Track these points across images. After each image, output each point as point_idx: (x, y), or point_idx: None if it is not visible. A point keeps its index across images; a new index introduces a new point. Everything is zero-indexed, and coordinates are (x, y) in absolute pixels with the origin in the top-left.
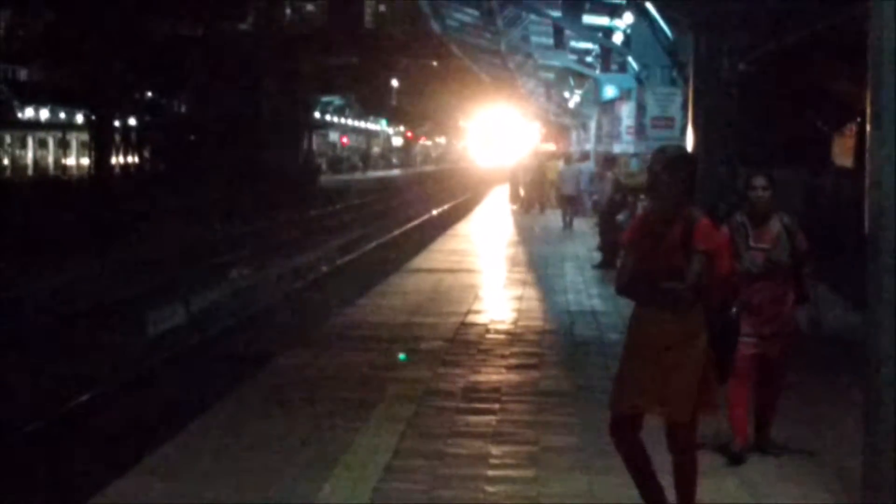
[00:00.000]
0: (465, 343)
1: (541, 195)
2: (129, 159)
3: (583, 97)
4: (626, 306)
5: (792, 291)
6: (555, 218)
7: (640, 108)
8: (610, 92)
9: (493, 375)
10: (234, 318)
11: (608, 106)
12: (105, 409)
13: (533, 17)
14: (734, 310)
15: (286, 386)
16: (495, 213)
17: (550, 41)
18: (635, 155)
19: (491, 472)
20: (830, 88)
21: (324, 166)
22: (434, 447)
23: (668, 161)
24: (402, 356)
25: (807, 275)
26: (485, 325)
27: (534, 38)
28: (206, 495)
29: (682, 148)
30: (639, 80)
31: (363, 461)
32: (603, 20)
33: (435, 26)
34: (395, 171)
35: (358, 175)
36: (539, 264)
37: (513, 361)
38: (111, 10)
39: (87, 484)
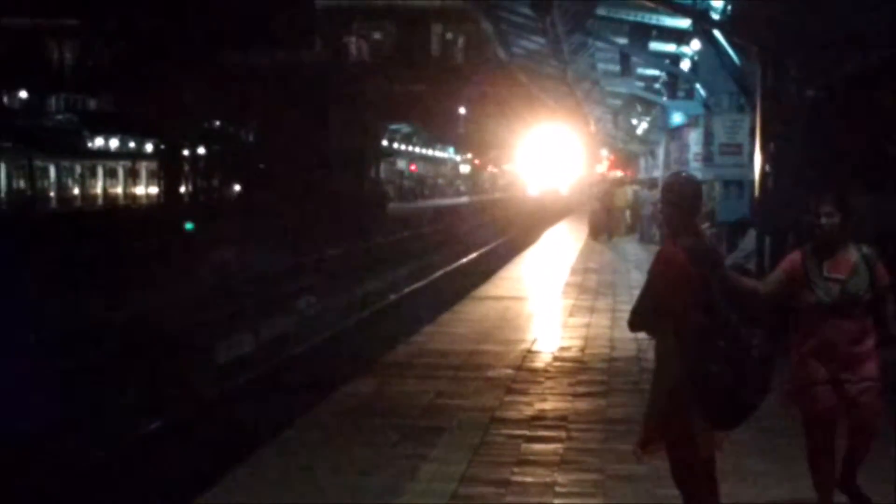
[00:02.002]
0: (531, 371)
1: (609, 222)
2: (198, 187)
3: (651, 124)
4: None
5: (873, 332)
6: (623, 245)
7: (708, 135)
8: (677, 118)
9: (560, 403)
10: (302, 347)
11: (676, 132)
12: (174, 438)
13: (599, 44)
14: (710, 366)
15: (352, 414)
16: (564, 239)
17: (617, 68)
18: (704, 182)
19: (557, 501)
20: None
21: (392, 194)
22: (500, 475)
23: (663, 191)
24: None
25: (891, 313)
26: (552, 352)
27: (600, 65)
28: None
29: (677, 175)
30: (706, 107)
31: (429, 489)
32: (670, 47)
33: (501, 54)
34: (463, 199)
35: (426, 202)
36: (607, 291)
37: (580, 389)
38: (180, 39)
39: None
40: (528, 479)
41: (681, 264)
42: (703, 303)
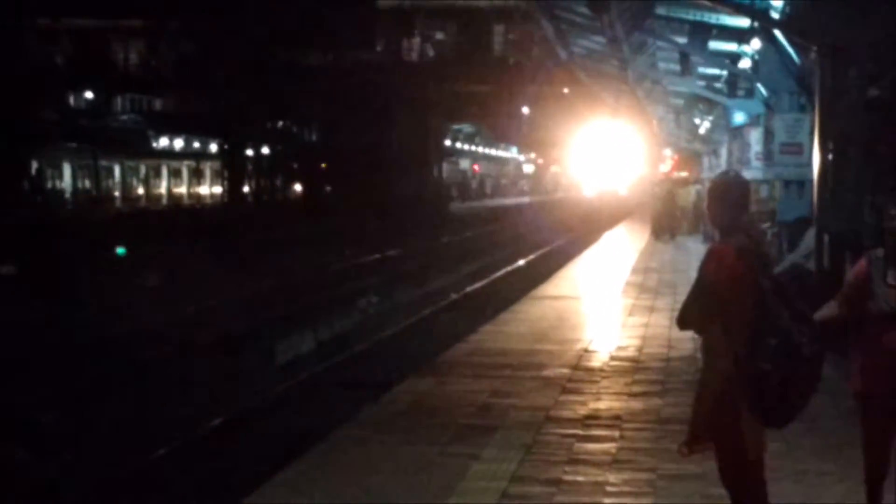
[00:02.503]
0: (587, 370)
1: (672, 222)
2: (262, 187)
3: (713, 123)
4: None
5: None
6: (686, 245)
7: (768, 134)
8: (739, 118)
9: (614, 402)
10: (361, 346)
11: (738, 132)
12: (233, 435)
13: (660, 43)
14: (761, 364)
15: (408, 412)
16: (625, 239)
17: (678, 67)
18: (765, 181)
19: (608, 500)
20: None
21: (454, 193)
22: (552, 474)
23: (710, 189)
24: None
25: None
26: (609, 351)
27: (661, 65)
28: None
29: (724, 174)
30: (767, 106)
31: (480, 488)
32: (730, 46)
33: (561, 53)
34: (526, 198)
35: (488, 202)
36: (668, 291)
37: (636, 388)
38: (242, 40)
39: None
40: (580, 479)
41: (731, 263)
42: (754, 301)
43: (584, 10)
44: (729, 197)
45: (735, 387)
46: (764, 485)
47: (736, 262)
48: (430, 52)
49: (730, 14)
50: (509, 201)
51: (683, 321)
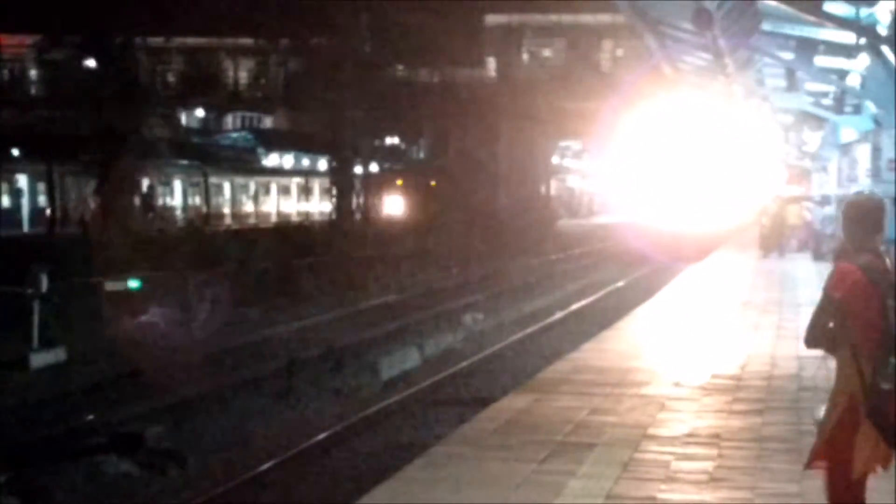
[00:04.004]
0: (689, 387)
1: (780, 240)
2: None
3: (823, 140)
4: None
5: None
6: (794, 263)
7: (877, 151)
8: (848, 134)
9: (714, 420)
10: (465, 362)
11: (846, 148)
12: (339, 447)
13: (766, 59)
14: (883, 384)
15: (506, 429)
16: (732, 256)
17: (784, 83)
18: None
19: None
20: None
21: (562, 210)
22: (647, 492)
23: (844, 208)
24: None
25: None
26: (711, 369)
27: (767, 81)
28: None
29: (859, 193)
30: (876, 122)
31: None
32: (837, 62)
33: (666, 69)
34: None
35: (597, 219)
36: (774, 309)
37: (736, 407)
38: (352, 58)
39: None
40: (676, 498)
41: (855, 281)
42: (879, 320)
43: (688, 25)
44: (859, 217)
45: (860, 405)
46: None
47: (860, 281)
48: (538, 69)
49: (836, 29)
50: (618, 219)
51: (809, 340)
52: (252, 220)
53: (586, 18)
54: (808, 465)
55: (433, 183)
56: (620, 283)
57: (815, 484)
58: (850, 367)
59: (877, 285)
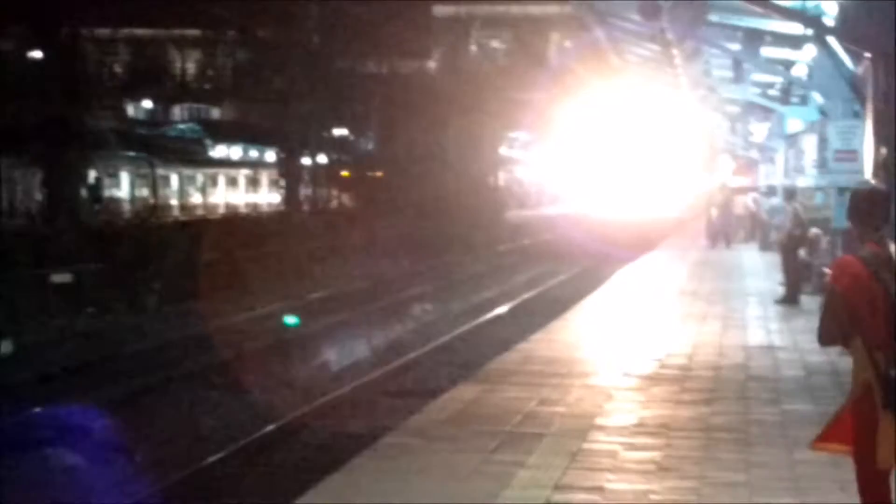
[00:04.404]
0: (637, 378)
1: (727, 230)
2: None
3: (769, 130)
4: (809, 343)
5: None
6: (740, 253)
7: (822, 142)
8: (794, 125)
9: (662, 410)
10: (413, 353)
11: (793, 139)
12: (287, 439)
13: (713, 50)
14: (892, 372)
15: (455, 420)
16: (679, 246)
17: (731, 74)
18: (819, 189)
19: None
20: None
21: (511, 201)
22: (595, 482)
23: (848, 201)
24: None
25: None
26: (659, 359)
27: (714, 72)
28: None
29: (858, 184)
30: (822, 113)
31: (524, 496)
32: (784, 53)
33: (614, 61)
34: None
35: (546, 210)
36: (720, 299)
37: (684, 397)
38: (300, 49)
39: None
40: (624, 487)
41: (855, 273)
42: (885, 308)
43: (636, 16)
44: (863, 207)
45: (875, 396)
46: (889, 495)
47: (860, 272)
48: (486, 61)
49: (782, 20)
50: (565, 210)
51: (825, 337)
52: (200, 212)
53: (534, 9)
54: (814, 446)
55: (381, 174)
56: (568, 275)
57: (762, 473)
58: (863, 357)
59: (876, 275)
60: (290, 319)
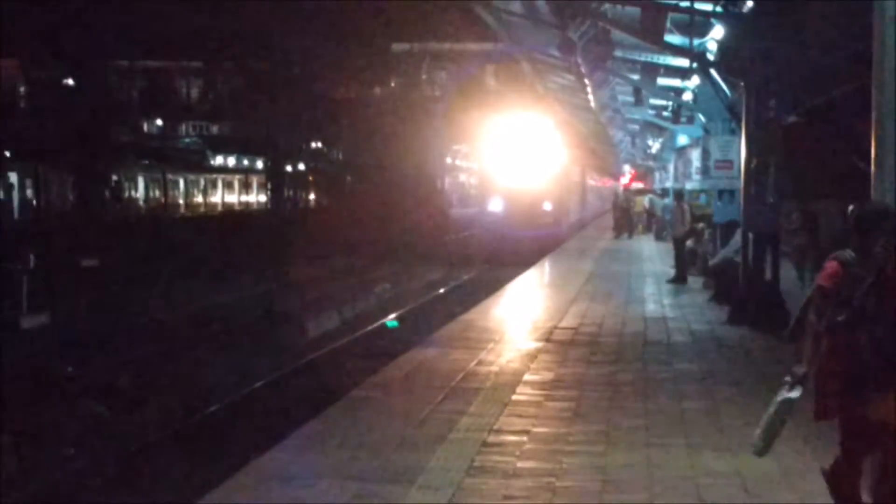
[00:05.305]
0: (557, 343)
1: (629, 224)
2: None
3: (662, 144)
4: (694, 314)
5: None
6: (640, 242)
7: (705, 153)
8: (682, 140)
9: (576, 369)
10: (376, 323)
11: (682, 151)
12: (274, 392)
13: (618, 79)
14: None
15: (410, 376)
16: (592, 237)
17: (632, 99)
18: (702, 191)
19: (568, 447)
20: (863, 132)
21: (455, 202)
22: (523, 427)
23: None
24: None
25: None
26: (574, 328)
27: (620, 97)
28: (343, 458)
29: (860, 203)
30: (705, 130)
31: (466, 437)
32: (675, 81)
33: (539, 88)
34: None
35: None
36: (624, 280)
37: (594, 358)
38: (285, 77)
39: (255, 448)
40: (547, 430)
41: (832, 272)
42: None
43: (555, 52)
44: (852, 222)
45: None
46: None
47: (837, 270)
48: (435, 87)
49: (673, 56)
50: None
51: (795, 331)
52: (202, 210)
53: (473, 46)
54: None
55: (348, 179)
56: (503, 258)
57: (658, 419)
58: (808, 354)
59: (852, 270)
60: (391, 322)
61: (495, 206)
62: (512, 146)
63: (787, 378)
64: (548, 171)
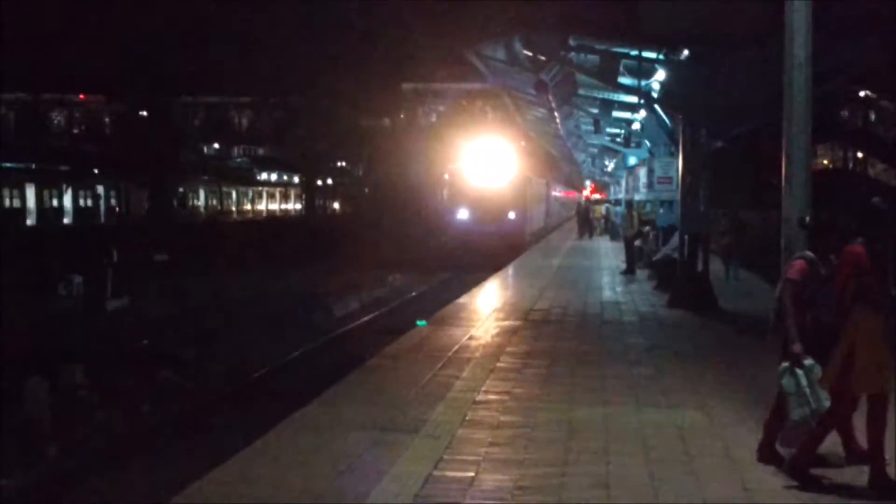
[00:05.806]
0: (533, 322)
1: (589, 228)
2: (327, 206)
3: (616, 164)
4: (641, 299)
5: None
6: (598, 242)
7: (650, 171)
8: (632, 161)
9: (548, 342)
10: (388, 306)
11: (632, 170)
12: (307, 361)
13: (580, 112)
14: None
15: (415, 348)
16: (559, 238)
17: (592, 128)
18: (648, 201)
19: (541, 405)
20: (775, 155)
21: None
22: (506, 388)
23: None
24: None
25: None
26: (546, 310)
27: (582, 126)
28: (362, 412)
29: (870, 202)
30: (650, 153)
31: (461, 397)
32: (626, 114)
33: (518, 119)
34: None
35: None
36: (585, 272)
37: (562, 334)
38: (317, 109)
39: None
40: (523, 391)
41: (798, 268)
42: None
43: (531, 90)
44: (810, 230)
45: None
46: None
47: (803, 268)
48: (435, 118)
49: (625, 94)
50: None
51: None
52: (250, 216)
53: (465, 86)
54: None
55: (366, 191)
56: (491, 256)
57: (612, 383)
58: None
59: (812, 267)
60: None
61: (463, 214)
62: (480, 162)
63: (785, 364)
64: (513, 185)
